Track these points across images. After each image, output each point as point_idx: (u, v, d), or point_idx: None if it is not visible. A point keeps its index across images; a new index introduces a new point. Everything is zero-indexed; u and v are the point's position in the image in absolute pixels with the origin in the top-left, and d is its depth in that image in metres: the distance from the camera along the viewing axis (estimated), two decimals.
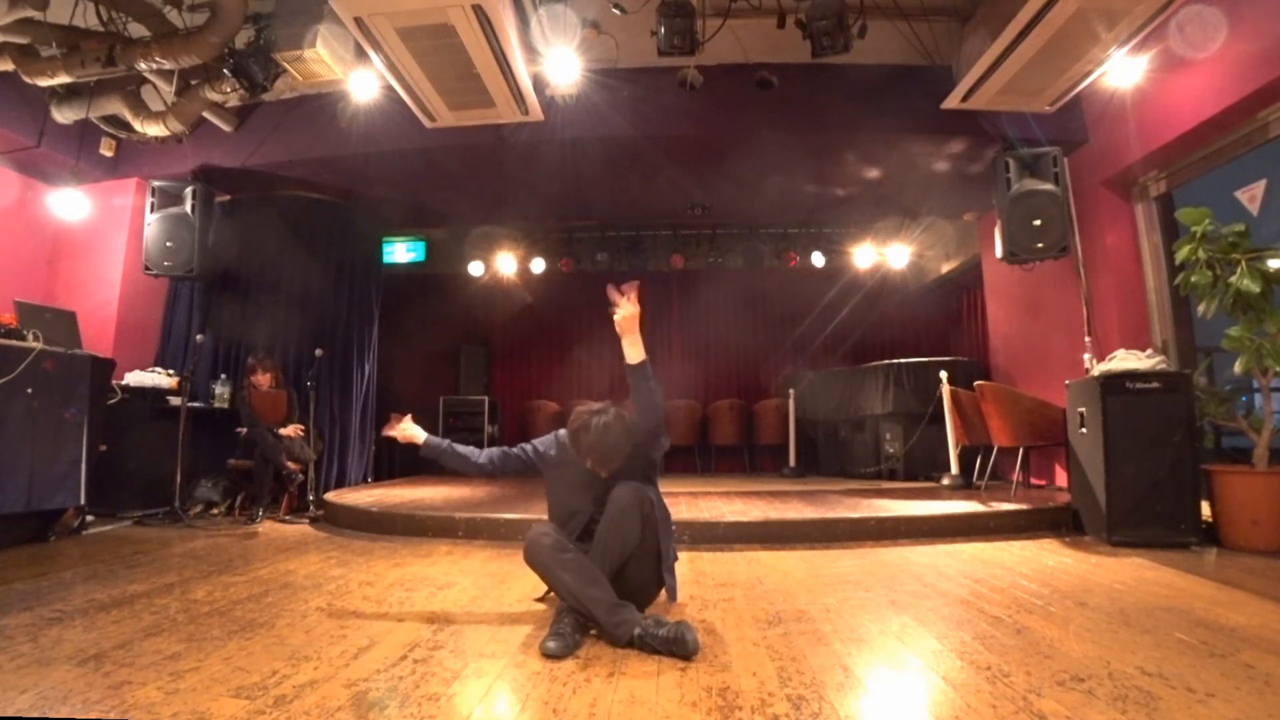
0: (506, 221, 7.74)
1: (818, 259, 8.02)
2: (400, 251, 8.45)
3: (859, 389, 6.87)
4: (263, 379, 5.13)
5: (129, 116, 4.79)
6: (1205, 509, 3.59)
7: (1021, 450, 4.73)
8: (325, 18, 3.94)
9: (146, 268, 5.35)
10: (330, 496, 5.03)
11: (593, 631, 2.05)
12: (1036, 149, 4.97)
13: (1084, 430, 3.87)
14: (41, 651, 1.90)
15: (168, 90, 4.67)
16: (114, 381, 4.53)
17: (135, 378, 5.00)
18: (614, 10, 4.25)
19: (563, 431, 2.40)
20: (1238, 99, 3.82)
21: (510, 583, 2.81)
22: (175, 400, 4.94)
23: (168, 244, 5.31)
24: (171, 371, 5.20)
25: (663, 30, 4.08)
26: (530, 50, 4.34)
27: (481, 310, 9.07)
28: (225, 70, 4.11)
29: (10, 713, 1.49)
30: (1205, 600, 2.45)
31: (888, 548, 3.62)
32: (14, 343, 3.56)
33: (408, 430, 2.56)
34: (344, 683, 1.69)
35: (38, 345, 3.63)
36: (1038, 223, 4.83)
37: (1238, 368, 3.56)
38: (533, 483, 7.03)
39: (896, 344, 8.40)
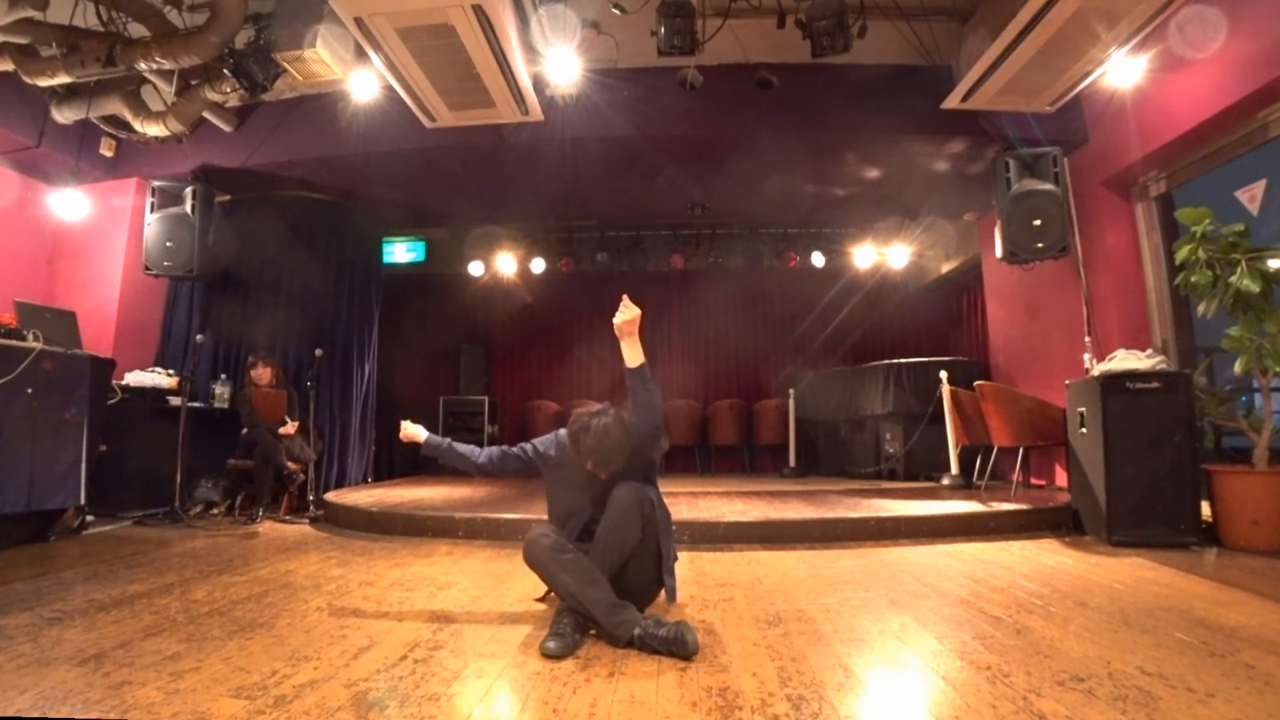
0: (506, 221, 7.74)
1: (818, 259, 8.02)
2: (400, 251, 8.44)
3: (859, 389, 6.87)
4: (263, 374, 5.13)
5: (129, 116, 4.79)
6: (1205, 509, 3.59)
7: (1021, 450, 4.73)
8: (325, 18, 3.94)
9: (146, 268, 5.35)
10: (330, 496, 5.03)
11: (593, 631, 2.05)
12: (1036, 149, 4.97)
13: (1084, 430, 3.87)
14: (41, 651, 1.90)
15: (168, 90, 4.67)
16: (114, 381, 4.53)
17: (135, 378, 5.00)
18: (614, 10, 4.25)
19: (562, 432, 2.40)
20: (1238, 99, 3.82)
21: (510, 583, 2.81)
22: (175, 400, 4.94)
23: (168, 244, 5.31)
24: (171, 371, 5.19)
25: (663, 30, 4.08)
26: (530, 50, 4.34)
27: (481, 310, 9.07)
28: (225, 70, 4.11)
29: (10, 713, 1.49)
30: (1205, 600, 2.45)
31: (888, 548, 3.62)
32: (14, 343, 3.56)
33: (408, 430, 2.59)
34: (344, 683, 1.69)
35: (38, 345, 3.63)
36: (1038, 223, 4.83)
37: (1238, 368, 3.56)
38: (533, 483, 7.03)
39: (896, 344, 8.40)
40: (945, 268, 8.10)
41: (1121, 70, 4.32)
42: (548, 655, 1.88)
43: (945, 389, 5.59)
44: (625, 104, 4.98)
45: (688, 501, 4.76)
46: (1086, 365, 4.61)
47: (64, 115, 4.78)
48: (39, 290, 5.40)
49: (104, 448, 4.14)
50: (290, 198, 6.04)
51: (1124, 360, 3.82)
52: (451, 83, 4.28)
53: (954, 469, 5.60)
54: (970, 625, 2.17)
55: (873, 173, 5.87)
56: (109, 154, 5.62)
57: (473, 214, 7.28)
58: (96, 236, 5.63)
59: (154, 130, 4.79)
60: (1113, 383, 3.68)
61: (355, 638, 2.06)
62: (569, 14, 4.23)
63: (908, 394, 6.36)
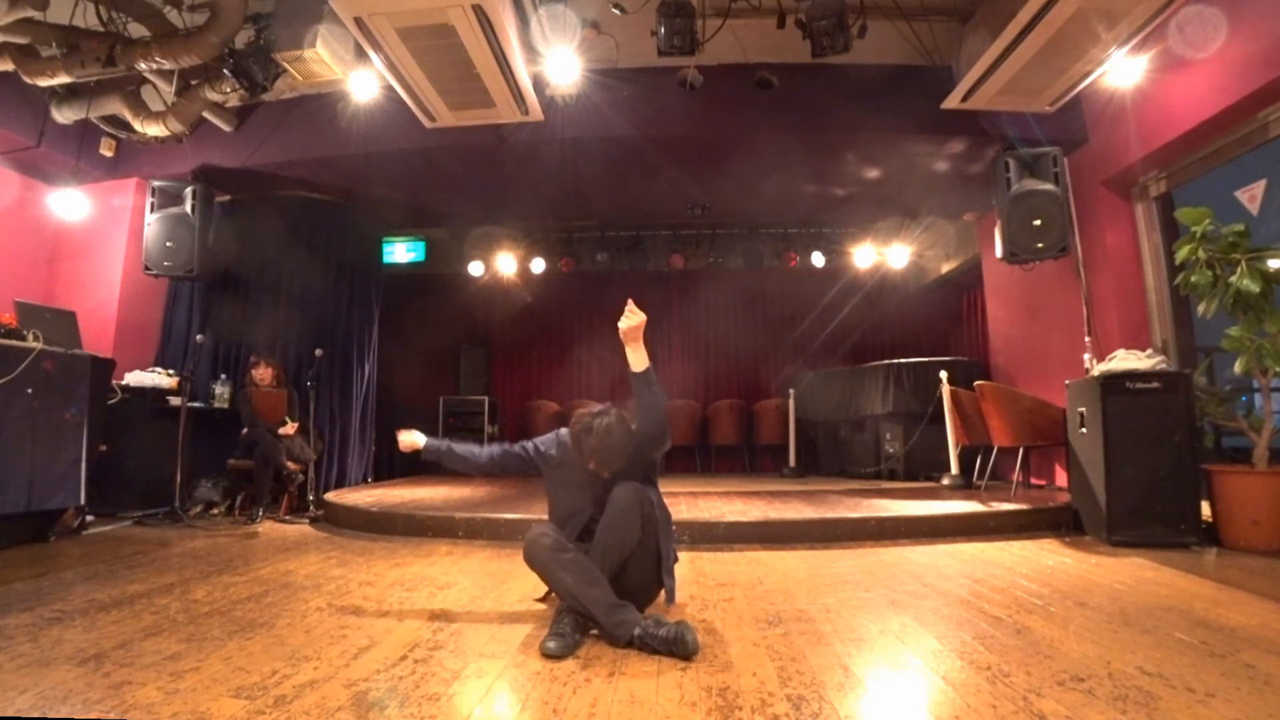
0: (506, 221, 7.74)
1: (818, 259, 8.02)
2: (400, 251, 8.44)
3: (859, 389, 6.87)
4: (265, 374, 5.13)
5: (129, 116, 4.79)
6: (1205, 509, 3.59)
7: (1021, 450, 4.73)
8: (325, 18, 3.94)
9: (146, 268, 5.35)
10: (330, 496, 5.03)
11: (593, 631, 2.05)
12: (1036, 149, 4.97)
13: (1084, 430, 3.87)
14: (41, 651, 1.90)
15: (168, 90, 4.67)
16: (114, 381, 4.53)
17: (135, 378, 5.00)
18: (614, 10, 4.25)
19: (564, 431, 2.40)
20: (1238, 99, 3.82)
21: (510, 583, 2.81)
22: (175, 400, 4.94)
23: (168, 244, 5.31)
24: (171, 371, 5.19)
25: (663, 30, 4.08)
26: (530, 50, 4.34)
27: (481, 310, 9.07)
28: (225, 70, 4.11)
29: (10, 713, 1.49)
30: (1205, 600, 2.45)
31: (888, 548, 3.62)
32: (14, 343, 3.56)
33: (406, 439, 2.57)
34: (344, 683, 1.69)
35: (38, 345, 3.63)
36: (1038, 223, 4.83)
37: (1238, 368, 3.56)
38: (532, 483, 7.01)
39: (896, 344, 8.40)
40: (945, 268, 8.10)
41: (1121, 70, 4.32)
42: (548, 655, 1.88)
43: (945, 389, 5.59)
44: (625, 104, 4.97)
45: (688, 501, 4.76)
46: (1086, 365, 4.61)
47: (64, 115, 4.78)
48: (39, 290, 5.40)
49: (104, 448, 4.14)
50: (290, 198, 6.03)
51: (1124, 360, 3.82)
52: (451, 83, 4.28)
53: (954, 469, 5.60)
54: (970, 625, 2.17)
55: (873, 173, 5.87)
56: (109, 154, 5.62)
57: (473, 214, 7.28)
58: (96, 236, 5.63)
59: (154, 130, 4.79)
60: (1113, 383, 3.68)
61: (355, 638, 2.06)
62: (569, 14, 4.23)
63: (908, 394, 6.36)
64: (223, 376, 5.55)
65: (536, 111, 4.69)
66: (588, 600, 1.99)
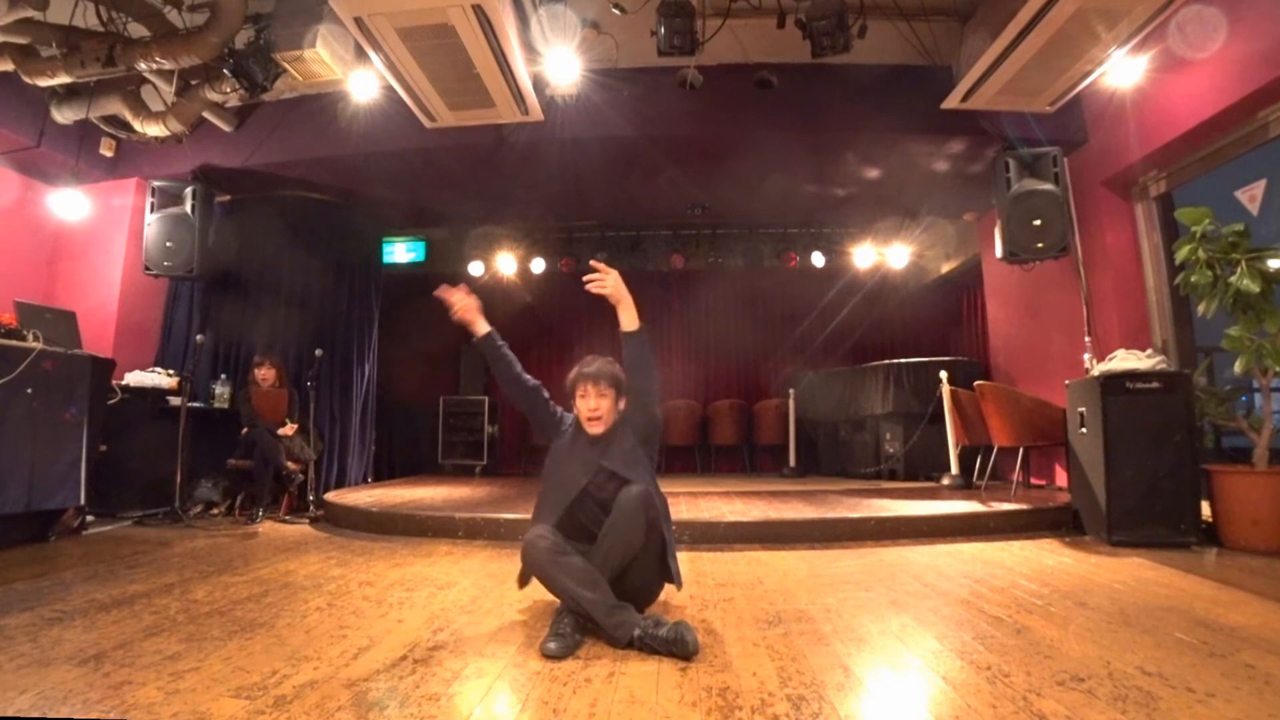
0: (506, 221, 7.74)
1: (818, 259, 8.01)
2: (400, 251, 8.44)
3: (859, 389, 6.87)
4: (267, 374, 5.13)
5: (129, 116, 4.79)
6: (1205, 509, 3.59)
7: (1021, 450, 4.73)
8: (325, 18, 3.94)
9: (146, 268, 5.35)
10: (330, 496, 5.03)
11: (593, 631, 2.05)
12: (1036, 149, 4.97)
13: (1084, 430, 3.87)
14: (41, 651, 1.90)
15: (168, 90, 4.67)
16: (114, 381, 4.53)
17: (135, 378, 5.00)
18: (614, 10, 4.25)
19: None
20: (1238, 99, 3.82)
21: (510, 583, 2.79)
22: (175, 400, 4.94)
23: (168, 244, 5.31)
24: (171, 371, 5.19)
25: (663, 30, 4.08)
26: (530, 50, 4.34)
27: (482, 310, 9.05)
28: (225, 70, 4.11)
29: (10, 713, 1.49)
30: (1205, 600, 2.46)
31: (888, 548, 3.62)
32: (14, 343, 3.56)
33: (467, 306, 2.46)
34: (344, 683, 1.69)
35: (38, 345, 3.63)
36: (1038, 223, 4.84)
37: (1238, 368, 3.56)
38: (532, 482, 7.02)
39: (896, 344, 8.40)
40: (945, 268, 8.10)
41: (1121, 70, 4.32)
42: (548, 655, 1.88)
43: (945, 389, 5.59)
44: (625, 104, 4.97)
45: (688, 501, 4.76)
46: (1086, 365, 4.61)
47: (64, 115, 4.78)
48: (39, 290, 5.40)
49: (104, 448, 4.14)
50: (290, 198, 6.03)
51: (1124, 360, 3.82)
52: (451, 83, 4.28)
53: (954, 469, 5.60)
54: (970, 625, 2.17)
55: (873, 173, 5.87)
56: (109, 154, 5.62)
57: (473, 214, 7.28)
58: (96, 236, 5.63)
59: (154, 130, 4.79)
60: (1113, 383, 3.68)
61: (355, 638, 2.06)
62: (569, 14, 4.23)
63: (908, 394, 6.36)
64: (223, 376, 5.55)
65: (536, 111, 4.69)
66: (586, 603, 1.99)
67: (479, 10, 3.59)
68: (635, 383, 2.32)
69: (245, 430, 5.00)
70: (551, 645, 1.90)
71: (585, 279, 2.30)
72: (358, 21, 3.69)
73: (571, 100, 4.92)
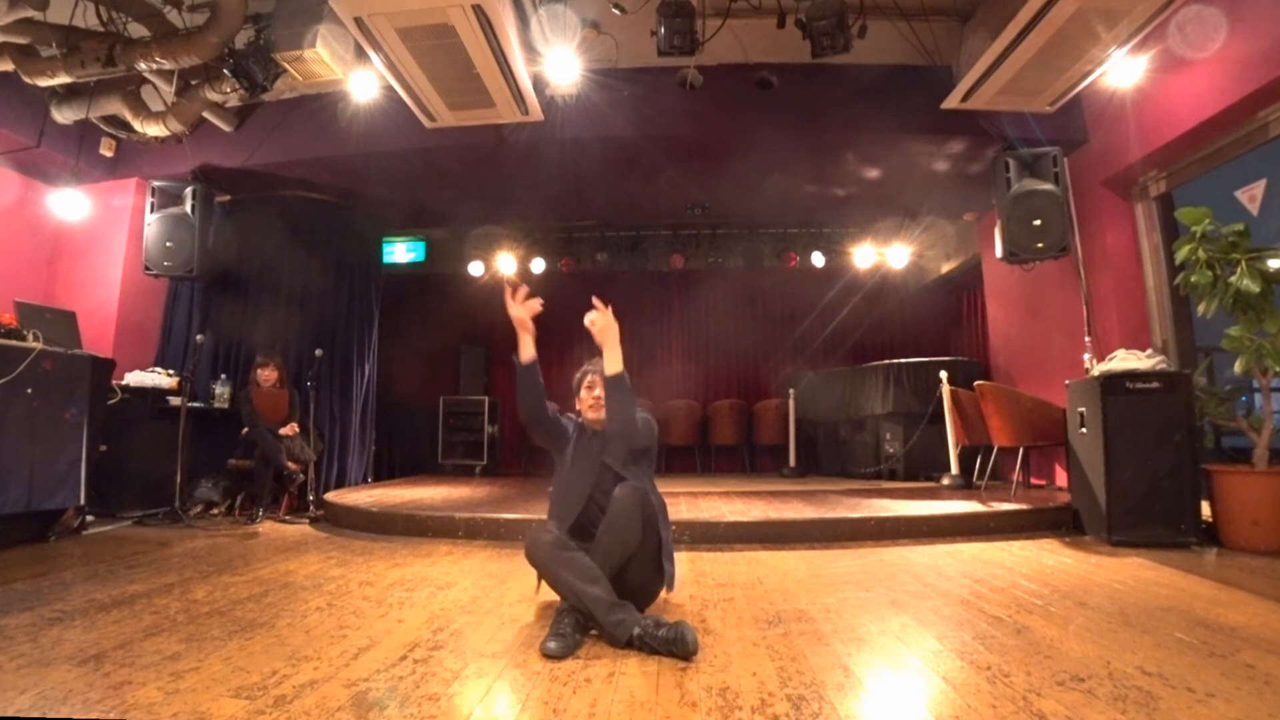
0: (506, 221, 7.74)
1: (818, 259, 8.02)
2: (400, 251, 8.44)
3: (859, 389, 6.87)
4: (269, 375, 5.13)
5: (129, 116, 4.79)
6: (1205, 509, 3.59)
7: (1021, 450, 4.73)
8: (325, 18, 3.94)
9: (146, 268, 5.35)
10: (330, 496, 5.03)
11: (593, 631, 2.05)
12: (1036, 149, 4.97)
13: (1084, 430, 3.87)
14: (41, 651, 1.90)
15: (168, 90, 4.67)
16: (114, 381, 4.53)
17: (135, 378, 5.00)
18: (614, 10, 4.25)
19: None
20: (1238, 99, 3.82)
21: (510, 583, 2.81)
22: (175, 400, 4.94)
23: (168, 244, 5.31)
24: (171, 371, 5.19)
25: (663, 30, 4.07)
26: (530, 50, 4.34)
27: (481, 310, 9.04)
28: (225, 70, 4.11)
29: (10, 713, 1.49)
30: (1205, 600, 2.46)
31: (888, 548, 3.62)
32: (14, 343, 3.56)
33: (524, 318, 2.43)
34: (344, 683, 1.69)
35: (38, 345, 3.63)
36: (1038, 223, 4.83)
37: (1238, 368, 3.56)
38: (532, 483, 7.02)
39: (896, 344, 8.40)
40: (945, 268, 8.10)
41: (1121, 70, 4.32)
42: (548, 655, 1.88)
43: (945, 389, 5.59)
44: (625, 104, 4.97)
45: (688, 501, 4.76)
46: (1086, 365, 4.61)
47: (64, 115, 4.78)
48: (39, 290, 5.40)
49: (104, 448, 4.14)
50: (290, 198, 6.03)
51: (1124, 360, 3.82)
52: (451, 83, 4.28)
53: (954, 469, 5.60)
54: (970, 625, 2.17)
55: (873, 173, 5.87)
56: (109, 154, 5.62)
57: (473, 214, 7.28)
58: (96, 236, 5.63)
59: (154, 130, 4.79)
60: (1113, 383, 3.68)
61: (355, 638, 2.06)
62: (569, 14, 4.23)
63: (908, 394, 6.36)
64: (223, 376, 5.55)
65: (536, 111, 4.69)
66: (588, 598, 1.99)
67: (479, 10, 3.59)
68: (613, 428, 2.30)
69: (245, 430, 5.00)
70: (551, 645, 1.90)
71: (587, 317, 2.36)
72: (358, 21, 3.69)
73: (571, 100, 4.92)
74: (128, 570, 3.05)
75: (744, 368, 9.03)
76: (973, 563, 3.20)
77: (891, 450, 6.51)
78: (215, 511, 5.05)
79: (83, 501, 3.85)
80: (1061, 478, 5.23)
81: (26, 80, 4.22)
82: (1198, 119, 4.10)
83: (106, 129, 5.17)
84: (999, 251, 5.04)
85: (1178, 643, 1.96)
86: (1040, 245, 4.84)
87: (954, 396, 5.47)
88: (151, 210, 5.38)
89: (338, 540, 3.99)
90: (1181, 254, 3.74)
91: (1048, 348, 5.73)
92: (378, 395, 6.72)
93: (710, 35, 4.27)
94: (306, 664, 1.82)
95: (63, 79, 4.18)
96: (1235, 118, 4.00)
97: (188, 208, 5.35)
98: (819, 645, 1.98)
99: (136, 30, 4.14)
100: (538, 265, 8.13)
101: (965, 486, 5.42)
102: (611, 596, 2.02)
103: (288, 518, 4.82)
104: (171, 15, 4.14)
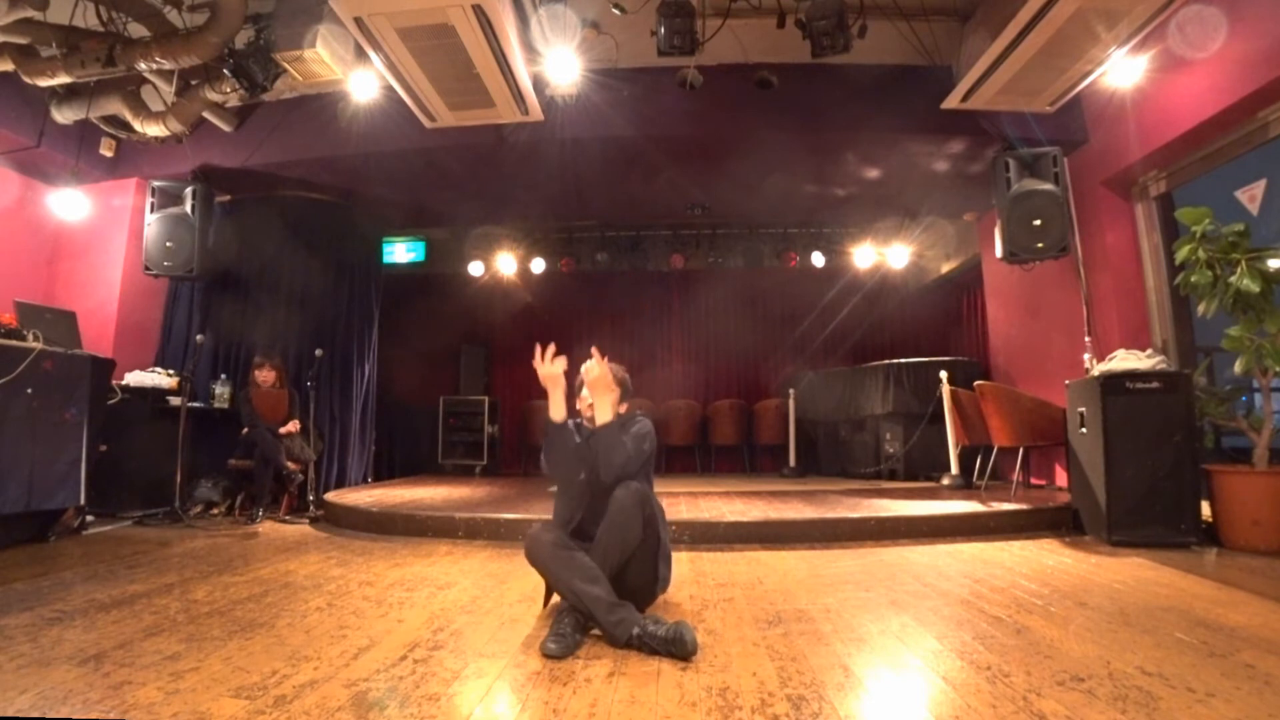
0: (506, 221, 7.74)
1: (818, 259, 8.02)
2: (400, 251, 8.44)
3: (859, 389, 6.87)
4: (267, 375, 5.13)
5: (129, 116, 4.79)
6: (1205, 509, 3.59)
7: (1021, 450, 4.73)
8: (325, 18, 3.94)
9: (146, 268, 5.35)
10: (330, 496, 5.03)
11: (593, 632, 2.05)
12: (1036, 149, 4.97)
13: (1084, 430, 3.87)
14: (41, 651, 1.90)
15: (168, 90, 4.67)
16: (114, 381, 4.53)
17: (135, 378, 5.00)
18: (614, 10, 4.25)
19: None
20: (1238, 99, 3.82)
21: (510, 583, 2.81)
22: (175, 400, 4.94)
23: (168, 244, 5.31)
24: (171, 371, 5.20)
25: (663, 30, 4.08)
26: (530, 50, 4.34)
27: (481, 310, 9.06)
28: (225, 70, 4.11)
29: (10, 713, 1.49)
30: (1205, 600, 2.46)
31: (888, 548, 3.62)
32: (14, 343, 3.56)
33: (556, 374, 2.31)
34: (344, 683, 1.69)
35: (38, 345, 3.63)
36: (1038, 223, 4.83)
37: (1238, 368, 3.56)
38: (533, 483, 7.02)
39: (896, 344, 8.39)
40: (945, 268, 8.10)
41: (1121, 70, 4.32)
42: (548, 655, 1.88)
43: (945, 389, 5.59)
44: (625, 104, 4.97)
45: (688, 501, 4.76)
46: (1086, 365, 4.61)
47: (64, 115, 4.78)
48: (39, 290, 5.40)
49: (104, 448, 4.14)
50: (290, 198, 6.03)
51: (1124, 360, 3.82)
52: (451, 83, 4.28)
53: (954, 469, 5.60)
54: (970, 625, 2.17)
55: (873, 173, 5.87)
56: (109, 154, 5.62)
57: (473, 214, 7.28)
58: (96, 236, 5.63)
59: (154, 130, 4.79)
60: (1113, 383, 3.68)
61: (355, 638, 2.06)
62: (569, 14, 4.23)
63: (908, 394, 6.36)
64: (223, 376, 5.55)
65: (536, 111, 4.69)
66: (587, 598, 2.00)
67: (479, 10, 3.59)
68: (608, 478, 2.18)
69: (245, 430, 4.99)
70: (551, 645, 1.90)
71: (583, 367, 2.36)
72: (358, 21, 3.69)
73: (571, 100, 4.92)
74: (128, 570, 3.05)
75: (744, 368, 9.03)
76: (973, 563, 3.20)
77: (891, 450, 6.51)
78: (215, 511, 5.05)
79: (83, 501, 3.85)
80: (1061, 478, 5.23)
81: (26, 80, 4.22)
82: (1198, 119, 4.10)
83: (106, 129, 5.17)
84: (999, 251, 5.03)
85: (1178, 643, 1.96)
86: (1040, 245, 4.84)
87: (954, 396, 5.47)
88: (151, 210, 5.38)
89: (338, 540, 3.99)
90: (1181, 254, 3.74)
91: (1048, 348, 5.73)
92: (378, 395, 6.72)
93: (710, 35, 4.27)
94: (306, 664, 1.82)
95: (63, 79, 4.18)
96: (1235, 118, 4.00)
97: (188, 208, 5.35)
98: (819, 645, 1.98)
99: (136, 30, 4.14)
100: (538, 265, 8.12)
101: (965, 486, 5.42)
102: (611, 596, 2.02)
103: (288, 518, 4.82)
104: (171, 15, 4.14)
